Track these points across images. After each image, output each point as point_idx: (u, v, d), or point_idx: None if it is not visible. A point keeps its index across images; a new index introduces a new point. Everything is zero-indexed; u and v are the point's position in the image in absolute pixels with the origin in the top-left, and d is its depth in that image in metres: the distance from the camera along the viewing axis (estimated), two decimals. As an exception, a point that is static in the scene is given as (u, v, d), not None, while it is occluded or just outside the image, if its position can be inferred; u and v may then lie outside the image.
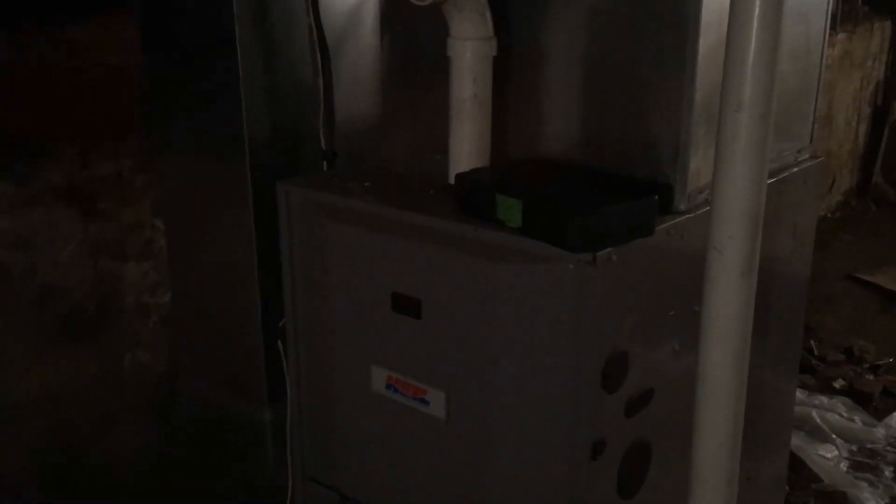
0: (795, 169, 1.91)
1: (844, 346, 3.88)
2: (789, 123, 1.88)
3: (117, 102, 2.22)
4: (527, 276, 1.51)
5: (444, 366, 1.68)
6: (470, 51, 1.65)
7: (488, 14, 1.65)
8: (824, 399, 3.36)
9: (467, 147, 1.71)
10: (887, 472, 2.99)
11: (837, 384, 3.56)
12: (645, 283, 1.55)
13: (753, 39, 1.22)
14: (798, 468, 2.92)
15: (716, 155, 1.30)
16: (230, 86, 2.02)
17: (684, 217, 1.58)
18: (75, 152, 2.16)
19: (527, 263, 1.51)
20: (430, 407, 1.72)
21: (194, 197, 2.28)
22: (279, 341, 2.01)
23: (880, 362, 3.75)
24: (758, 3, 1.20)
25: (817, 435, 3.16)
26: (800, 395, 3.23)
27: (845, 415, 3.29)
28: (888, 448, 3.13)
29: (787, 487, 2.56)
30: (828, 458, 3.06)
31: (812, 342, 3.84)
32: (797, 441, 3.03)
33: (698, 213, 1.59)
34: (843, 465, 3.04)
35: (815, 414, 3.23)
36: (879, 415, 3.33)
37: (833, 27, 4.68)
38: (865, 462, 3.06)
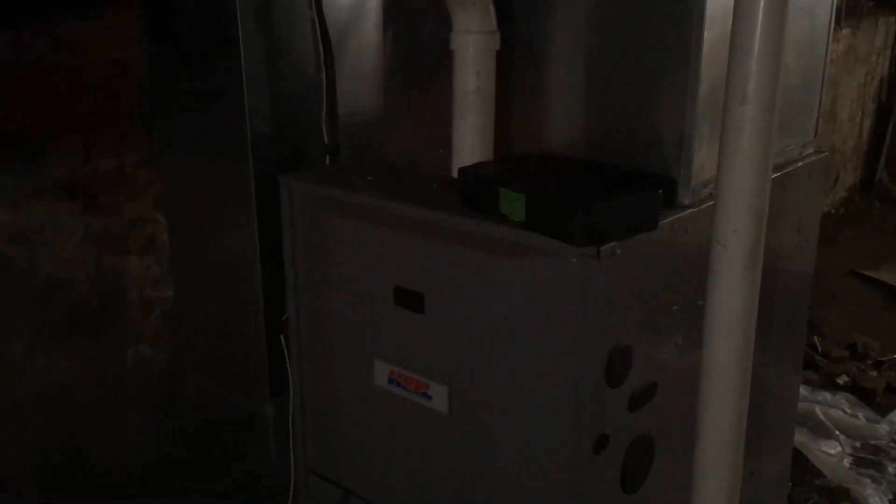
0: (800, 163, 1.90)
1: (848, 343, 3.87)
2: (793, 118, 1.87)
3: (120, 98, 2.22)
4: (530, 270, 1.51)
5: (446, 360, 1.68)
6: (473, 44, 1.65)
7: (492, 7, 1.65)
8: (828, 395, 3.35)
9: (470, 141, 1.71)
10: (891, 469, 2.99)
11: (841, 380, 3.55)
12: (648, 278, 1.54)
13: (758, 32, 1.21)
14: (801, 464, 2.92)
15: (720, 148, 1.29)
16: (233, 81, 2.02)
17: (688, 211, 1.57)
18: (78, 147, 2.16)
19: (530, 258, 1.50)
20: (432, 401, 1.71)
21: (197, 192, 2.28)
22: (281, 335, 2.01)
23: (884, 358, 3.74)
24: (763, -5, 1.20)
25: (821, 431, 3.15)
26: (803, 391, 3.22)
27: (849, 411, 3.29)
28: (891, 444, 3.12)
29: (790, 483, 2.56)
30: (831, 454, 3.05)
31: (815, 338, 3.83)
32: (800, 437, 3.03)
33: (702, 207, 1.58)
34: (847, 462, 3.04)
35: (818, 410, 3.23)
36: (883, 411, 3.32)
37: (837, 22, 4.66)
38: (869, 458, 3.05)
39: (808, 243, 2.03)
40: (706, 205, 1.57)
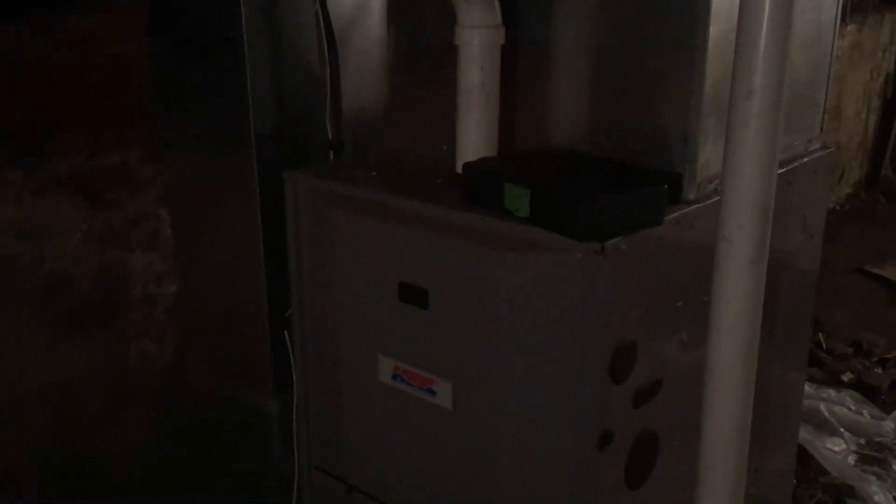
0: (805, 159, 1.89)
1: (853, 340, 3.86)
2: (799, 113, 1.86)
3: (124, 94, 2.22)
4: (535, 265, 1.51)
5: (450, 356, 1.67)
6: (478, 39, 1.64)
7: (496, 2, 1.64)
8: (832, 392, 3.34)
9: (475, 136, 1.70)
10: (895, 466, 2.98)
11: (846, 377, 3.55)
12: (653, 274, 1.54)
13: (765, 26, 1.21)
14: (806, 461, 2.91)
15: (726, 143, 1.29)
16: (237, 77, 2.01)
17: (694, 207, 1.57)
18: (82, 143, 2.16)
19: (535, 253, 1.50)
20: (436, 397, 1.71)
21: (201, 187, 2.28)
22: (285, 331, 2.01)
23: (889, 355, 3.73)
24: (769, -11, 1.19)
25: (825, 428, 3.14)
26: (808, 388, 3.21)
27: (853, 408, 3.28)
28: (896, 441, 3.12)
29: (794, 480, 2.55)
30: (836, 451, 3.04)
31: (820, 335, 3.82)
32: (805, 434, 3.02)
33: (708, 203, 1.58)
34: (851, 459, 3.03)
35: (823, 407, 3.22)
36: (888, 408, 3.31)
37: (843, 18, 4.65)
38: (874, 455, 3.04)
39: (814, 239, 2.02)
40: (712, 200, 1.57)
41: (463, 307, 1.63)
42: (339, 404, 1.94)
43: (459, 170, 1.68)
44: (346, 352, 1.88)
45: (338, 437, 1.97)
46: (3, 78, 1.99)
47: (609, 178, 1.56)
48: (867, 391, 3.41)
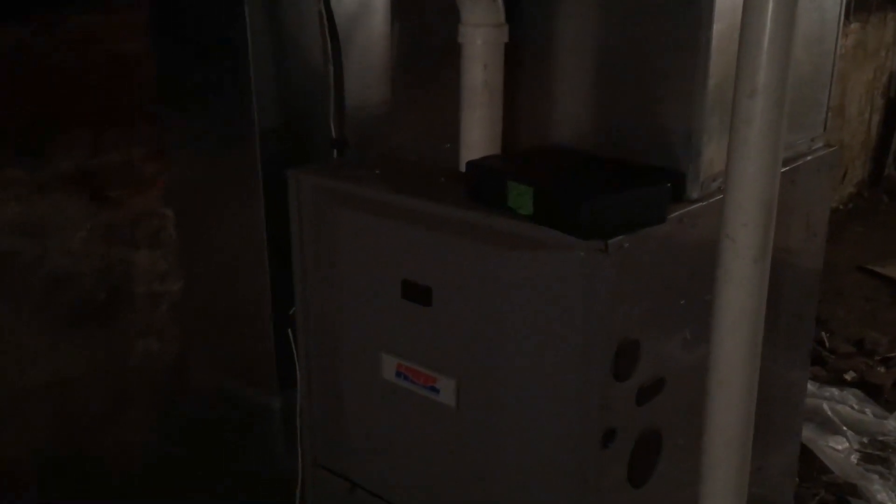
0: (809, 157, 1.89)
1: (856, 338, 3.86)
2: (803, 112, 1.86)
3: (128, 91, 2.22)
4: (538, 263, 1.51)
5: (454, 354, 1.68)
6: (481, 37, 1.64)
7: (500, 0, 1.64)
8: (835, 391, 3.34)
9: (478, 134, 1.70)
10: (898, 465, 2.99)
11: (848, 376, 3.54)
12: (656, 272, 1.54)
13: (768, 24, 1.21)
14: (809, 460, 2.91)
15: (729, 141, 1.29)
16: (240, 75, 2.02)
17: (697, 205, 1.57)
18: (84, 141, 2.16)
19: (538, 251, 1.50)
20: (440, 395, 1.71)
21: (204, 185, 2.28)
22: (289, 329, 2.01)
23: (892, 354, 3.73)
24: (773, -13, 1.19)
25: (828, 427, 3.14)
26: (811, 386, 3.21)
27: (856, 407, 3.28)
28: (899, 440, 3.12)
29: (797, 479, 2.55)
30: (838, 450, 3.04)
31: (823, 334, 3.82)
32: (808, 433, 3.02)
33: (711, 201, 1.58)
34: (854, 458, 3.03)
35: (825, 406, 3.22)
36: (890, 407, 3.31)
37: (846, 16, 4.64)
38: (876, 454, 3.04)
39: (817, 238, 2.02)
40: (715, 198, 1.57)
41: (466, 305, 1.63)
42: (342, 402, 1.94)
43: (462, 168, 1.68)
44: (350, 350, 1.88)
45: (341, 435, 1.97)
46: (4, 77, 1.99)
47: (612, 176, 1.56)
48: (870, 390, 3.41)
